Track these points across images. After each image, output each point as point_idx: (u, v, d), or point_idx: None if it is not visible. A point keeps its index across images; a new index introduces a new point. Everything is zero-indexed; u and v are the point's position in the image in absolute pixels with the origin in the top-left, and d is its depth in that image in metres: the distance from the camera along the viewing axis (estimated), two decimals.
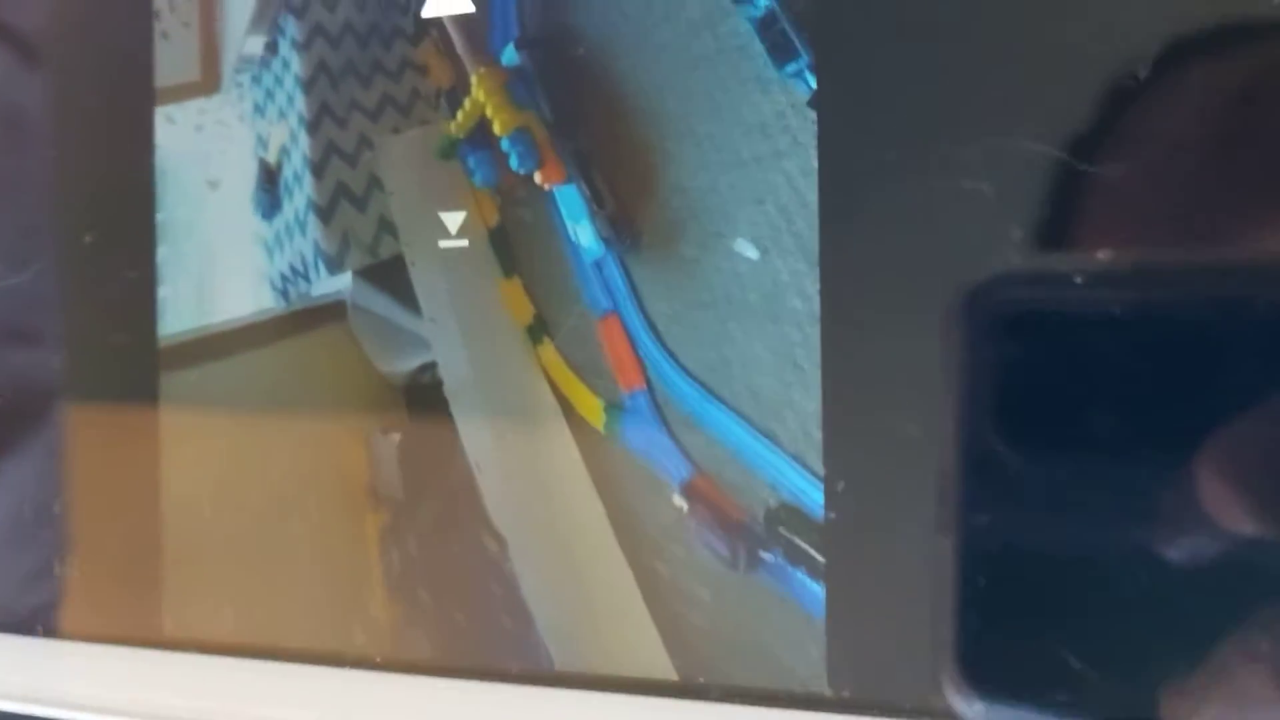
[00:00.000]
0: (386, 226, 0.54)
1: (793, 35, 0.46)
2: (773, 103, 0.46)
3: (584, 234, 0.50)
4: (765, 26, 0.47)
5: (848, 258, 0.43)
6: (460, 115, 0.52)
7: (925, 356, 0.41)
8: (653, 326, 0.49)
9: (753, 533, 0.47)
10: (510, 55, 0.51)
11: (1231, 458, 0.34)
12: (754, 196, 0.47)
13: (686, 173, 0.48)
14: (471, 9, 0.51)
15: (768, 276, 0.44)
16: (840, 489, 0.45)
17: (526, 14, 0.51)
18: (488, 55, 0.52)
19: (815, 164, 0.42)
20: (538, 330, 0.50)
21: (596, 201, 0.50)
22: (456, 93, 0.52)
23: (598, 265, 0.50)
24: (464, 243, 0.52)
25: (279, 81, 0.56)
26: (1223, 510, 0.33)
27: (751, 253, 0.47)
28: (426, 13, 0.52)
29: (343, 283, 0.52)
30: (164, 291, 0.57)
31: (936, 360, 0.44)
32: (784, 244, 0.43)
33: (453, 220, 0.53)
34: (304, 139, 0.55)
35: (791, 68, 0.46)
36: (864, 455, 0.45)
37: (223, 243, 0.57)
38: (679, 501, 0.48)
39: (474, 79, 0.52)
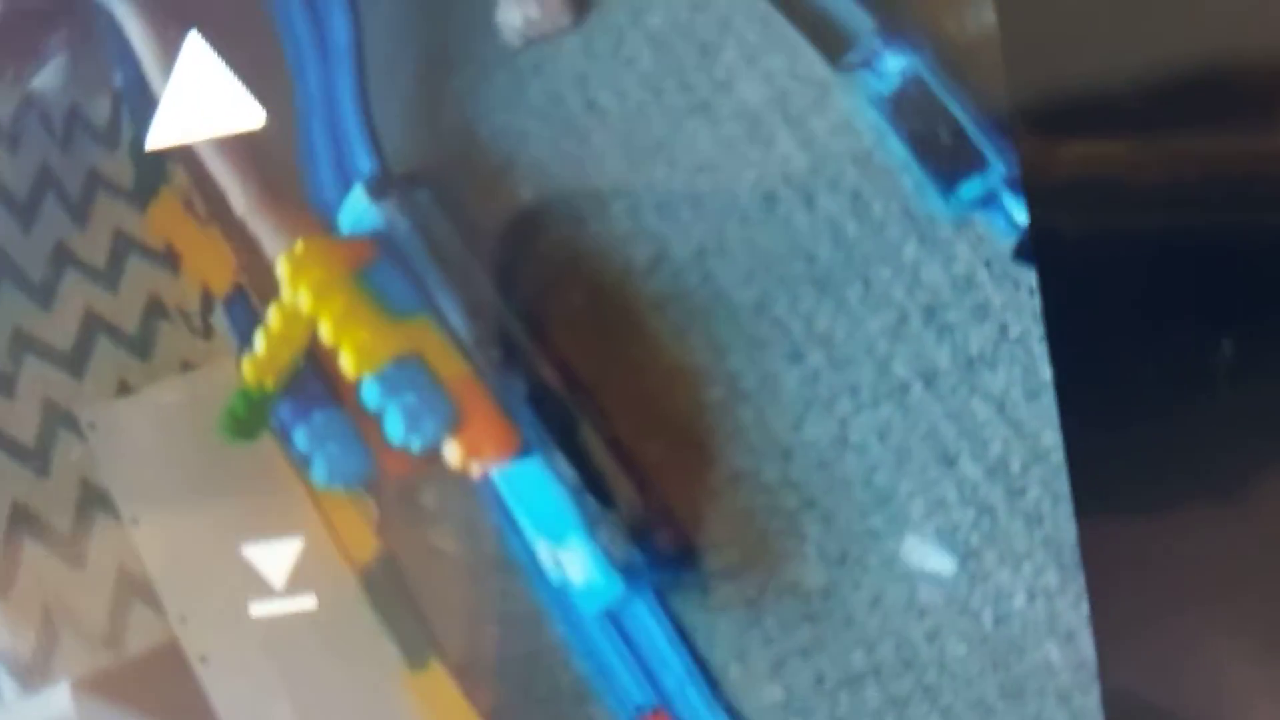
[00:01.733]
0: (135, 586, 0.30)
1: (973, 127, 0.26)
2: (946, 258, 0.26)
3: (576, 559, 0.29)
4: (909, 109, 0.27)
5: (1126, 547, 0.24)
6: (264, 346, 0.30)
7: None
8: None
9: None
10: (358, 210, 0.30)
11: None
12: (933, 453, 0.27)
13: (782, 415, 0.28)
14: (258, 122, 0.28)
15: (984, 606, 0.24)
16: None
17: (390, 120, 0.29)
18: (308, 211, 0.30)
19: (1048, 372, 0.23)
20: None
21: (596, 489, 0.29)
22: (247, 298, 0.31)
23: (613, 618, 0.29)
24: (305, 603, 0.29)
25: None
26: None
27: (943, 563, 0.27)
28: (152, 141, 0.28)
29: (55, 705, 0.27)
30: None
31: None
32: (1006, 538, 0.24)
33: (276, 559, 0.30)
34: None
35: (971, 187, 0.26)
36: None
37: None
38: None
39: (285, 264, 0.30)
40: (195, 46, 0.28)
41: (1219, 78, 0.25)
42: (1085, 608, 0.27)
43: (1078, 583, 0.26)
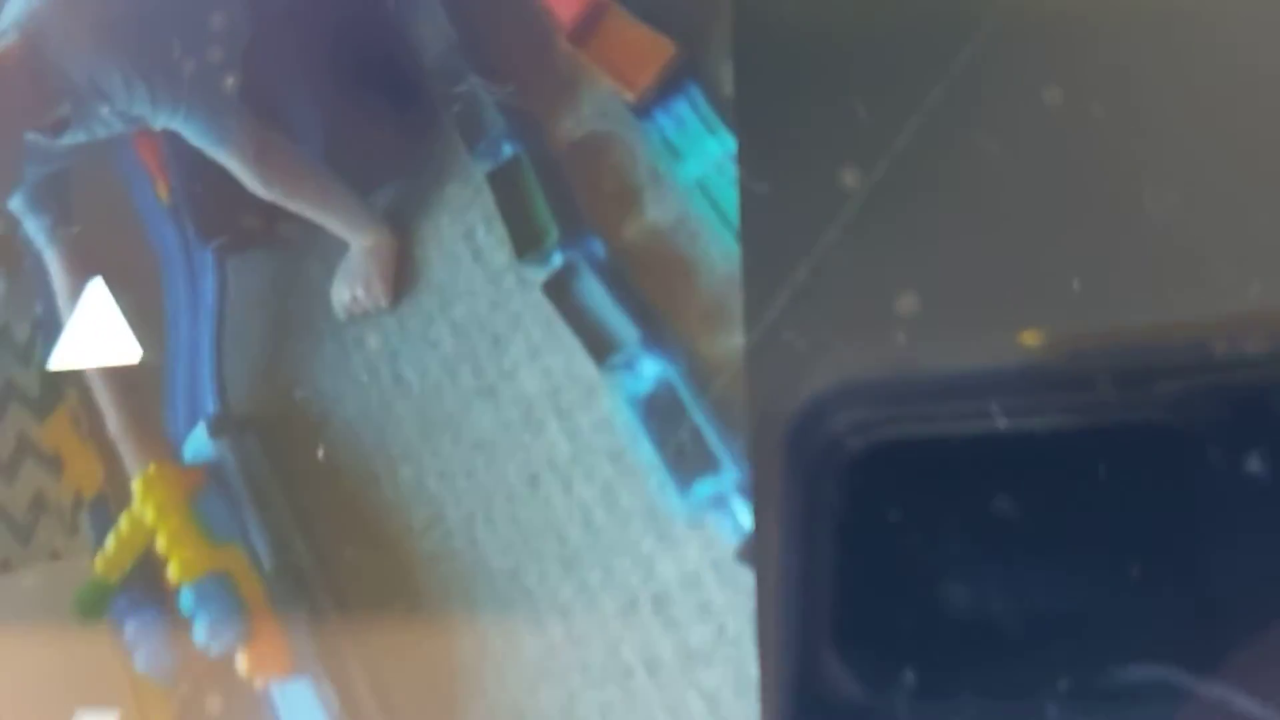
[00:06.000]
0: None
1: (712, 433, 0.29)
2: (678, 555, 0.28)
3: None
4: (657, 411, 0.30)
5: None
6: (114, 545, 0.34)
7: None
8: None
9: None
10: (200, 443, 0.35)
11: None
12: None
13: (520, 678, 0.30)
14: (134, 358, 0.35)
15: None
16: None
17: (237, 372, 0.34)
18: (163, 440, 0.35)
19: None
20: None
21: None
22: (107, 505, 0.35)
23: None
24: None
25: None
26: None
27: None
28: (54, 362, 0.34)
29: None
30: None
31: None
32: None
33: None
34: None
35: (704, 487, 0.28)
36: None
37: None
38: None
39: (139, 482, 0.34)
40: (97, 290, 0.33)
41: None
42: None
43: None
